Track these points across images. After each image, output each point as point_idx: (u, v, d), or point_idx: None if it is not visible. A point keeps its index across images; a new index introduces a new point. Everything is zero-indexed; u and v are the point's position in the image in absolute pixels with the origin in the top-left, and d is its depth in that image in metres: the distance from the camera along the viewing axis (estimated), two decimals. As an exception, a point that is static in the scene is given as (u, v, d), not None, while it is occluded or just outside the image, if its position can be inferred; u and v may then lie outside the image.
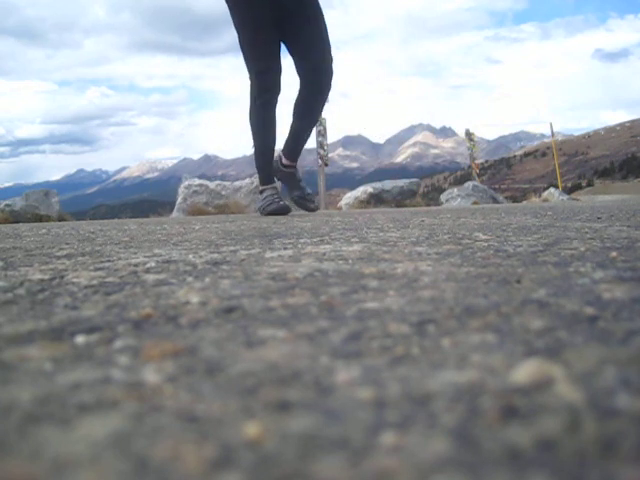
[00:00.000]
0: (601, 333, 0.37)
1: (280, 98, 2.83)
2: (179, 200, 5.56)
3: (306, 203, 3.06)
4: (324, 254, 0.86)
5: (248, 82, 2.80)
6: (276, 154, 3.07)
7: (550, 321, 0.40)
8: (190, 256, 0.88)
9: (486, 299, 0.49)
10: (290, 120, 2.95)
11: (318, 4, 2.73)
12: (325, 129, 6.74)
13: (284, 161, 3.03)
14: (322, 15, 2.75)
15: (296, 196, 3.03)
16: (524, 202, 7.61)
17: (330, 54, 2.80)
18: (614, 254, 0.75)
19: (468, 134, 10.01)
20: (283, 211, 2.83)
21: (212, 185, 5.59)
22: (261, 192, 2.97)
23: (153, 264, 0.79)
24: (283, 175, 3.05)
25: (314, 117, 3.00)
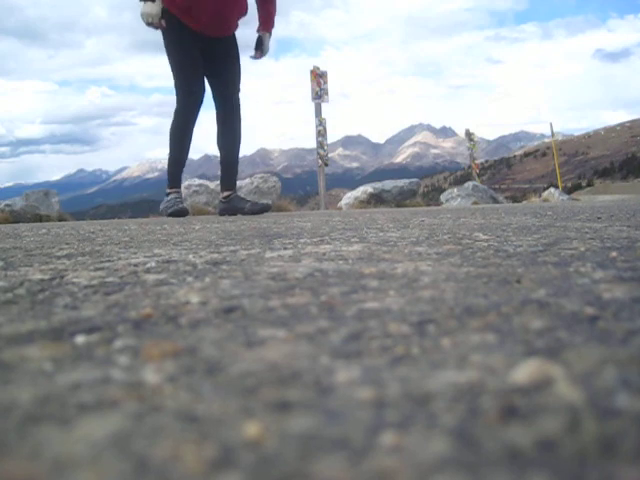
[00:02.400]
0: (601, 333, 0.37)
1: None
2: (179, 200, 5.55)
3: (260, 205, 3.38)
4: (324, 254, 0.86)
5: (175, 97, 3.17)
6: (219, 198, 3.42)
7: (550, 321, 0.40)
8: (190, 256, 0.88)
9: (486, 299, 0.49)
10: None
11: (237, 48, 3.35)
12: (325, 129, 6.74)
13: (226, 194, 3.35)
14: (239, 58, 3.36)
15: (249, 208, 3.30)
16: (524, 202, 7.61)
17: (239, 88, 3.33)
18: (614, 254, 0.75)
19: (468, 134, 10.01)
20: (182, 213, 3.21)
21: (212, 185, 5.59)
22: (167, 194, 3.29)
23: (153, 264, 0.79)
24: (232, 204, 3.33)
25: (236, 143, 3.37)
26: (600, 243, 0.91)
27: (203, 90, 3.21)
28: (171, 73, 3.22)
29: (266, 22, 3.44)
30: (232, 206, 3.29)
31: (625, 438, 0.22)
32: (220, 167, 3.42)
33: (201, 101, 3.21)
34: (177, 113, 3.18)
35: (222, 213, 3.36)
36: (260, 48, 3.46)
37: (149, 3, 2.98)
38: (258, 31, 3.45)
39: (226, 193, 3.35)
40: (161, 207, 3.30)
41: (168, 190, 3.28)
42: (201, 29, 3.12)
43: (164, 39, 3.19)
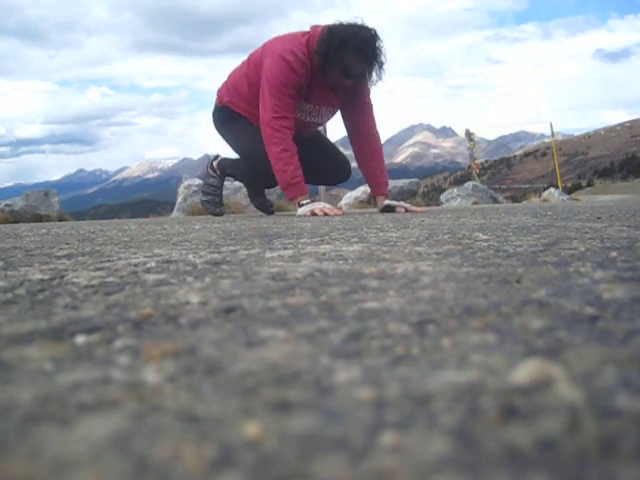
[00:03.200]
0: (601, 333, 0.37)
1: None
2: (179, 200, 5.56)
3: (267, 209, 3.48)
4: (324, 254, 0.86)
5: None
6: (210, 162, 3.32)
7: (550, 321, 0.40)
8: (190, 256, 0.88)
9: (486, 299, 0.49)
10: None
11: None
12: (325, 129, 6.74)
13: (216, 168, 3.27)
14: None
15: (259, 203, 3.41)
16: (524, 202, 7.61)
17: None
18: (614, 254, 0.75)
19: (468, 134, 10.00)
20: (220, 214, 3.28)
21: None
22: (211, 168, 3.24)
23: (153, 264, 0.79)
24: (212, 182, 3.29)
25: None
26: (600, 243, 0.91)
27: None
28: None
29: (378, 186, 3.05)
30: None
31: (625, 438, 0.22)
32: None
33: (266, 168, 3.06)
34: (245, 171, 3.09)
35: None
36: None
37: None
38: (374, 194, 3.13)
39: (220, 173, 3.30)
40: (200, 182, 3.36)
41: (215, 164, 3.21)
42: None
43: (224, 128, 3.07)
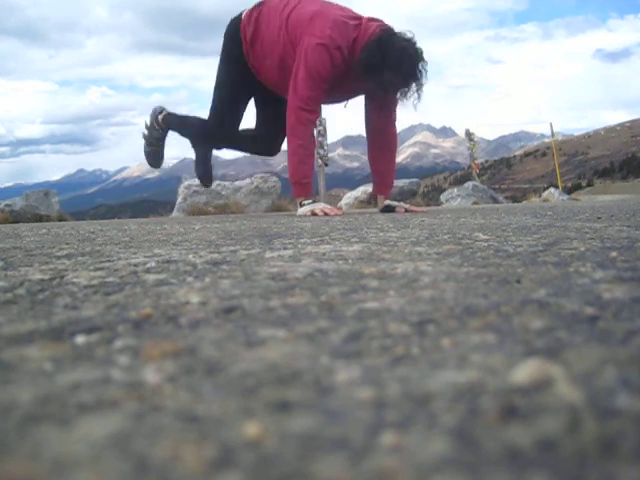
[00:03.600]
0: (601, 333, 0.37)
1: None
2: (179, 200, 5.56)
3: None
4: (324, 254, 0.86)
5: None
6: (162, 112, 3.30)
7: (550, 321, 0.40)
8: (190, 256, 0.88)
9: (486, 299, 0.49)
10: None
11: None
12: (325, 129, 6.74)
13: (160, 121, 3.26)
14: None
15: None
16: (524, 202, 7.61)
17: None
18: (614, 254, 0.75)
19: (468, 134, 10.00)
20: (156, 167, 3.35)
21: (212, 185, 5.59)
22: (158, 124, 3.25)
23: (153, 264, 0.79)
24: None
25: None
26: (600, 243, 0.91)
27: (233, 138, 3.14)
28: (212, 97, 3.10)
29: (381, 186, 3.04)
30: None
31: (625, 438, 0.22)
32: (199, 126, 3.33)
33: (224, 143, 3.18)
34: (209, 133, 3.11)
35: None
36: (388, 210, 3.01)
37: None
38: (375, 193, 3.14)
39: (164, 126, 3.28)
40: (145, 132, 3.30)
41: (161, 118, 3.22)
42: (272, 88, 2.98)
43: (222, 62, 3.04)
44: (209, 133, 3.13)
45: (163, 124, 3.24)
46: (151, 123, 3.27)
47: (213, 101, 3.09)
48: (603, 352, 0.33)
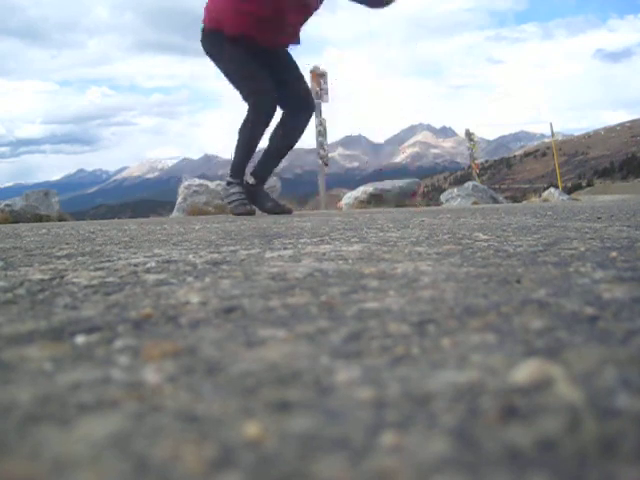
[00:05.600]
0: (601, 333, 0.37)
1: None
2: (179, 200, 5.56)
3: (282, 207, 3.34)
4: (324, 254, 0.86)
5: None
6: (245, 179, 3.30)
7: (550, 321, 0.40)
8: (190, 256, 0.88)
9: (486, 299, 0.49)
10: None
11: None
12: (325, 129, 6.75)
13: (253, 182, 3.27)
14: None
15: (270, 206, 3.26)
16: (524, 202, 7.60)
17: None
18: (614, 254, 0.75)
19: (468, 134, 10.00)
20: (249, 213, 3.17)
21: (212, 185, 5.58)
22: (228, 184, 3.22)
23: (153, 264, 0.79)
24: (255, 194, 3.27)
25: (293, 144, 3.32)
26: (600, 243, 0.91)
27: (275, 90, 3.03)
28: (234, 87, 3.09)
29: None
30: (254, 197, 3.21)
31: (625, 438, 0.22)
32: (263, 155, 3.28)
33: (276, 101, 3.05)
34: (250, 122, 3.04)
35: (274, 210, 3.22)
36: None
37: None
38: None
39: (254, 181, 3.24)
40: (225, 199, 3.25)
41: (230, 179, 3.21)
42: (269, 42, 3.04)
43: (220, 59, 3.08)
44: (253, 114, 3.03)
45: (233, 175, 3.21)
46: (224, 188, 3.27)
47: (240, 90, 3.06)
48: (603, 352, 0.33)
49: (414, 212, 2.88)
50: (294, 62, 3.26)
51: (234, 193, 3.18)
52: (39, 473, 0.20)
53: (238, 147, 3.16)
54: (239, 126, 3.11)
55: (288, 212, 3.31)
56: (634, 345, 0.34)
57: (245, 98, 3.04)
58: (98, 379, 0.31)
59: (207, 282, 0.62)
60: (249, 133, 3.08)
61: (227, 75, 3.09)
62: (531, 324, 0.40)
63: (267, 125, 3.08)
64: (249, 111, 3.03)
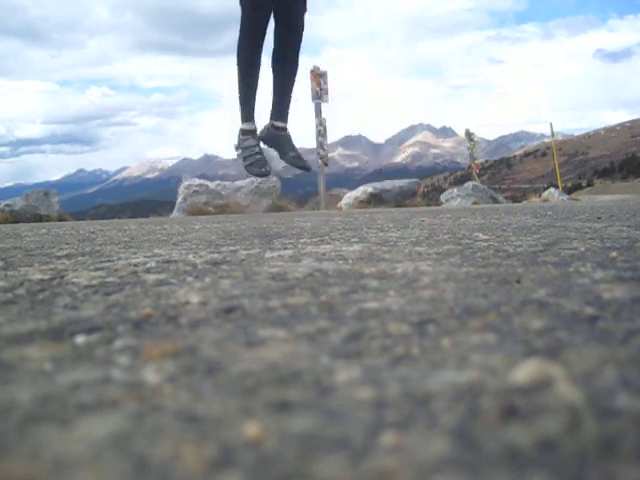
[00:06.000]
0: (601, 333, 0.37)
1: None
2: (179, 200, 5.56)
3: (303, 162, 3.15)
4: (324, 254, 0.86)
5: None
6: (265, 124, 3.10)
7: (550, 321, 0.40)
8: (190, 256, 0.88)
9: (486, 299, 0.49)
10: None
11: None
12: (325, 129, 6.75)
13: (278, 124, 3.05)
14: None
15: (292, 157, 3.07)
16: (524, 202, 7.60)
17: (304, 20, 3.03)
18: (614, 254, 0.75)
19: (468, 134, 10.00)
20: (264, 176, 3.00)
21: (212, 185, 5.59)
22: (242, 133, 3.01)
23: (153, 264, 0.79)
24: (278, 139, 3.07)
25: (294, 68, 3.08)
26: (600, 243, 0.91)
27: (270, 7, 2.85)
28: None
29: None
30: (277, 142, 3.03)
31: (625, 438, 0.22)
32: (274, 95, 3.06)
33: (268, 18, 2.85)
34: (243, 32, 2.85)
35: (264, 141, 3.03)
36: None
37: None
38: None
39: (279, 124, 3.01)
40: (237, 151, 3.05)
41: (243, 127, 3.00)
42: None
43: None
44: (244, 30, 2.86)
45: (245, 125, 3.03)
46: (238, 139, 3.08)
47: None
48: (603, 352, 0.33)
49: (414, 212, 2.88)
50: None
51: (248, 147, 2.99)
52: (39, 473, 0.20)
53: (239, 78, 2.95)
54: (237, 48, 2.93)
55: (307, 169, 3.16)
56: (634, 345, 0.34)
57: (242, 6, 2.85)
58: (98, 379, 0.31)
59: (207, 282, 0.62)
60: (244, 50, 2.90)
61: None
62: (531, 324, 0.40)
63: (258, 39, 2.88)
64: (241, 24, 2.86)
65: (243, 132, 3.03)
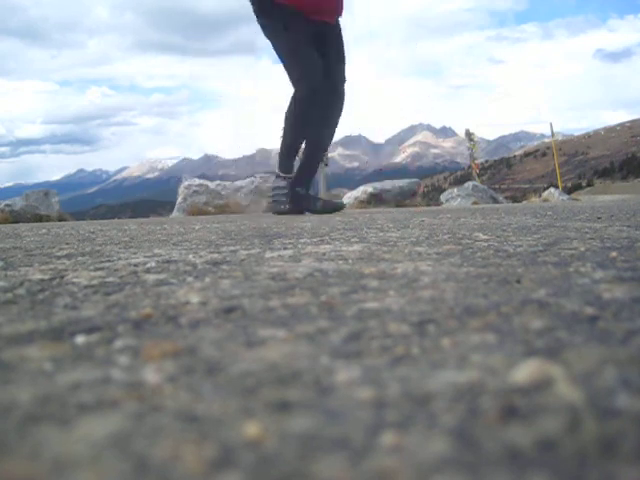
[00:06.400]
0: (601, 333, 0.37)
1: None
2: (179, 200, 5.56)
3: (333, 204, 3.25)
4: (324, 254, 0.86)
5: (290, 90, 2.95)
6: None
7: (550, 321, 0.40)
8: (190, 256, 0.88)
9: (486, 299, 0.49)
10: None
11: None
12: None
13: (297, 191, 3.15)
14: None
15: (321, 205, 3.15)
16: (524, 202, 7.60)
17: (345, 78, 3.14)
18: (614, 254, 0.75)
19: (468, 134, 10.00)
20: (283, 214, 3.09)
21: (212, 185, 5.59)
22: (277, 177, 3.15)
23: (153, 264, 0.79)
24: (298, 197, 3.15)
25: (333, 134, 3.23)
26: (600, 243, 0.91)
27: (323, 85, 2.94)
28: (284, 65, 2.96)
29: None
30: (302, 202, 3.09)
31: (625, 438, 0.22)
32: (300, 161, 3.19)
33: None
34: (299, 103, 2.91)
35: (292, 212, 3.09)
36: None
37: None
38: None
39: (300, 190, 3.10)
40: (270, 191, 3.19)
41: (281, 174, 3.12)
42: (317, 14, 2.89)
43: (277, 36, 2.93)
44: (303, 101, 2.91)
45: (281, 170, 3.13)
46: (275, 179, 3.18)
47: (290, 71, 2.94)
48: (603, 352, 0.33)
49: (414, 212, 2.88)
50: (342, 43, 3.10)
51: (278, 187, 3.13)
52: (39, 473, 0.20)
53: (284, 135, 3.04)
54: (285, 113, 2.98)
55: (340, 208, 3.20)
56: (634, 345, 0.34)
57: (297, 81, 2.90)
58: (98, 379, 0.31)
59: (207, 282, 0.62)
60: (300, 118, 2.95)
61: (282, 53, 2.94)
62: (531, 324, 0.40)
63: (311, 114, 2.93)
64: (298, 94, 2.89)
65: (278, 176, 3.17)
